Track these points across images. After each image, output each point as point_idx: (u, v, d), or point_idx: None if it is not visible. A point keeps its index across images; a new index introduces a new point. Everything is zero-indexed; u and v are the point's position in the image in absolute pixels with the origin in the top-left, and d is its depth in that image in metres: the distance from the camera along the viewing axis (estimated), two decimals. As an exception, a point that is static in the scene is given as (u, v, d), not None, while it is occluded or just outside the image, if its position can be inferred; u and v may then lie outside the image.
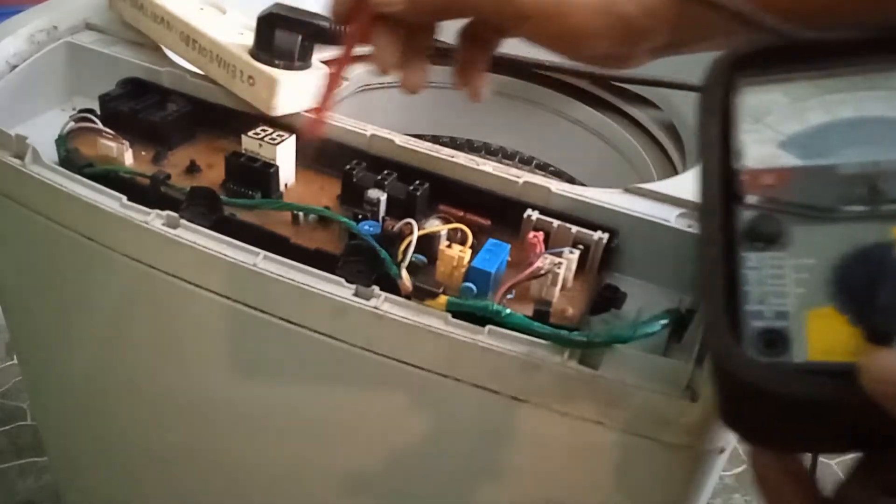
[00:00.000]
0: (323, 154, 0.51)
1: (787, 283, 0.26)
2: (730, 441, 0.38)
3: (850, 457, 0.27)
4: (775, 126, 0.29)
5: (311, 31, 0.50)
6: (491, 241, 0.43)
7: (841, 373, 0.24)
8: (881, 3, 0.30)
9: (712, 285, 0.27)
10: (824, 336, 0.25)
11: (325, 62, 0.51)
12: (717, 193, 0.28)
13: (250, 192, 0.48)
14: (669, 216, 0.45)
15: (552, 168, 0.77)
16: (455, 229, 0.44)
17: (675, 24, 0.34)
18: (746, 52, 0.30)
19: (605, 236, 0.44)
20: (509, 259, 0.43)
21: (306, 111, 0.49)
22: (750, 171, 0.28)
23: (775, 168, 0.28)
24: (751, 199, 0.28)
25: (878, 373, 0.23)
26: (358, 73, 0.77)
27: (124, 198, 0.45)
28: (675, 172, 0.63)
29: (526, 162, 0.78)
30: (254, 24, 0.51)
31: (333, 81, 0.43)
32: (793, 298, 0.26)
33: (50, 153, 0.49)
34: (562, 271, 0.42)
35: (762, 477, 0.28)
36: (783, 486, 0.28)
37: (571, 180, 0.75)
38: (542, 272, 0.41)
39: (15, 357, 1.23)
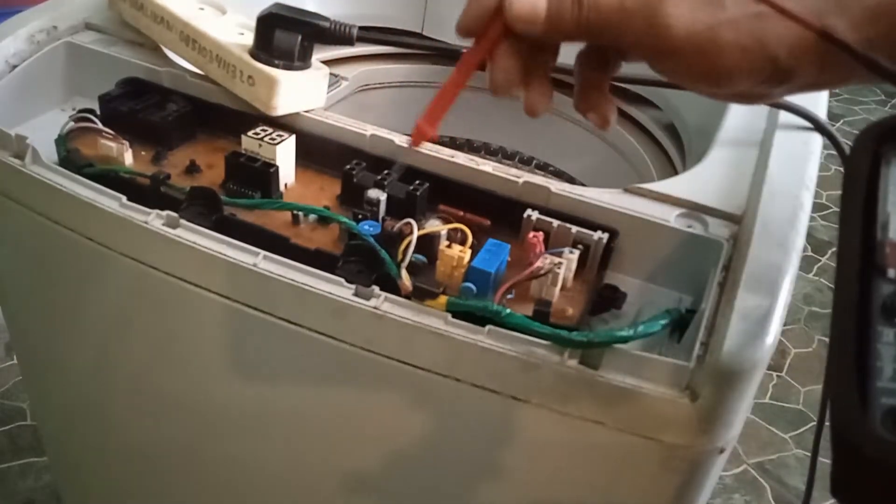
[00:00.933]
0: (323, 154, 0.51)
1: None
2: (730, 441, 0.38)
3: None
4: None
5: (311, 31, 0.50)
6: (491, 241, 0.43)
7: None
8: None
9: (843, 356, 0.26)
10: None
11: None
12: (857, 264, 0.28)
13: (250, 192, 0.48)
14: (669, 216, 0.45)
15: (552, 168, 0.77)
16: (455, 229, 0.44)
17: (819, 67, 0.33)
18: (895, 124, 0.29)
19: (605, 236, 0.44)
20: (509, 259, 0.43)
21: (413, 131, 0.43)
22: (894, 244, 0.28)
23: None
24: (892, 273, 0.27)
25: None
26: (357, 73, 0.77)
27: (124, 198, 0.45)
28: (675, 172, 0.63)
29: (526, 162, 0.78)
30: (254, 24, 0.51)
31: (447, 98, 0.40)
32: None
33: (50, 153, 0.49)
34: (562, 271, 0.42)
35: None
36: None
37: (571, 180, 0.75)
38: (542, 272, 0.41)
39: (15, 357, 1.23)
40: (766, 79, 0.33)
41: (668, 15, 0.33)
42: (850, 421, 0.25)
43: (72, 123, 0.51)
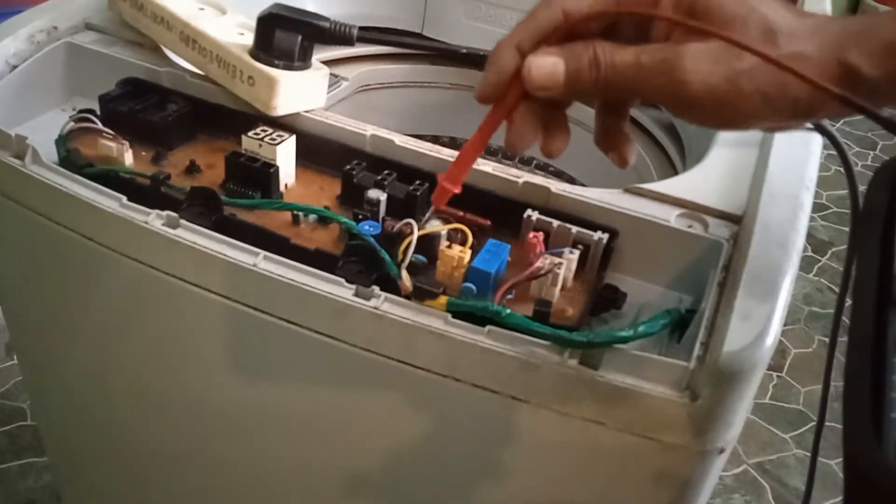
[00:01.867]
0: (323, 154, 0.51)
1: None
2: (730, 441, 0.38)
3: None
4: None
5: (311, 31, 0.50)
6: (491, 241, 0.43)
7: None
8: None
9: (858, 387, 0.26)
10: None
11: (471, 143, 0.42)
12: (873, 297, 0.28)
13: (250, 192, 0.48)
14: (669, 216, 0.45)
15: (552, 168, 0.77)
16: (455, 229, 0.44)
17: (838, 106, 0.33)
18: None
19: (605, 236, 0.44)
20: (509, 259, 0.43)
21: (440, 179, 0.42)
22: None
23: None
24: None
25: None
26: (357, 74, 0.77)
27: (124, 198, 0.45)
28: (675, 173, 0.63)
29: (526, 162, 0.78)
30: (254, 24, 0.51)
31: (468, 159, 0.40)
32: None
33: (50, 153, 0.49)
34: (562, 271, 0.42)
35: None
36: None
37: (571, 180, 0.75)
38: (542, 272, 0.41)
39: (15, 357, 1.23)
40: (789, 118, 0.34)
41: (687, 71, 0.33)
42: (864, 452, 0.25)
43: (72, 123, 0.51)
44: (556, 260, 0.42)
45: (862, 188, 0.35)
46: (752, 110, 0.33)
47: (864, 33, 0.32)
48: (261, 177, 0.48)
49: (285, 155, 0.49)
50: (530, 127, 0.38)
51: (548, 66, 0.35)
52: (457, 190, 0.40)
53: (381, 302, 0.40)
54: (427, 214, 0.44)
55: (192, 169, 0.51)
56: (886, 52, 0.31)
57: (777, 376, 1.40)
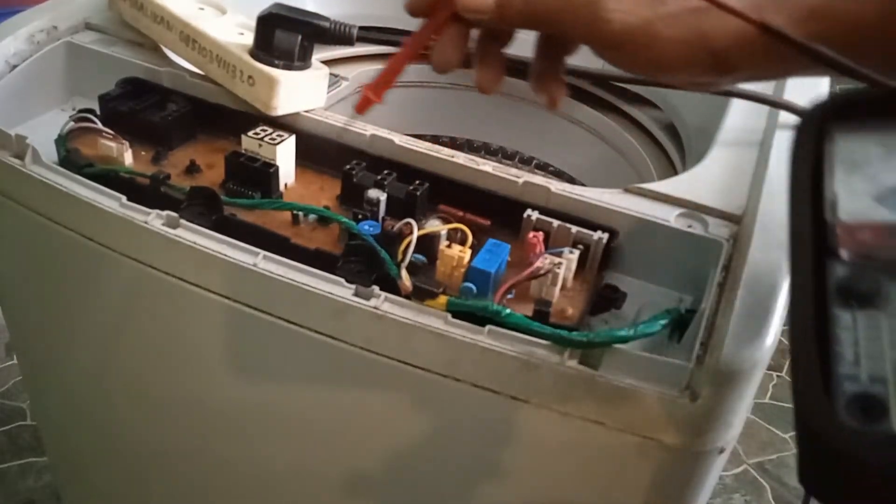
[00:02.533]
0: (323, 154, 0.51)
1: (884, 345, 0.25)
2: (730, 441, 0.38)
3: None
4: (871, 178, 0.28)
5: (311, 31, 0.50)
6: (491, 241, 0.43)
7: None
8: None
9: (803, 342, 0.25)
10: None
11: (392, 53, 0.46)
12: (809, 246, 0.27)
13: (250, 192, 0.48)
14: (669, 216, 0.45)
15: (552, 168, 0.77)
16: (455, 229, 0.44)
17: (763, 59, 0.34)
18: (842, 102, 0.29)
19: (605, 236, 0.44)
20: (509, 259, 0.43)
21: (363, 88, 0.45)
22: (844, 224, 0.27)
23: (872, 222, 0.27)
24: (844, 253, 0.27)
25: None
26: (357, 73, 0.77)
27: (124, 198, 0.45)
28: (675, 172, 0.63)
29: (526, 162, 0.78)
30: (254, 24, 0.51)
31: (393, 73, 0.42)
32: (890, 362, 0.25)
33: (50, 153, 0.49)
34: (562, 271, 0.42)
35: None
36: None
37: (571, 180, 0.75)
38: (542, 272, 0.41)
39: (15, 357, 1.23)
40: (708, 70, 0.34)
41: (609, 10, 0.34)
42: (814, 409, 0.24)
43: (72, 123, 0.51)
44: (556, 260, 0.42)
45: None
46: (671, 57, 0.34)
47: None
48: (261, 177, 0.48)
49: (285, 155, 0.49)
50: (455, 50, 0.39)
51: None
52: (378, 100, 0.42)
53: (381, 302, 0.40)
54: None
55: (192, 169, 0.51)
56: (810, 15, 0.32)
57: (777, 376, 1.41)
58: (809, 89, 0.54)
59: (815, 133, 0.29)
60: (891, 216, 0.27)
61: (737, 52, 0.33)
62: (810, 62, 0.32)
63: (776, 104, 0.53)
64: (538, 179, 0.47)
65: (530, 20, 0.37)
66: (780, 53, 0.32)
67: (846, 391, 0.25)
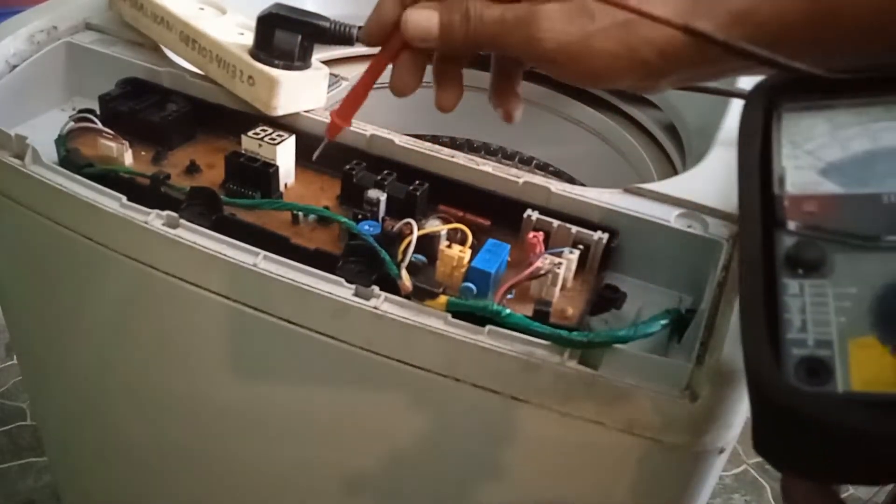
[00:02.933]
0: (323, 154, 0.51)
1: (829, 311, 0.26)
2: (730, 441, 0.38)
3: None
4: (816, 153, 0.29)
5: (310, 31, 0.50)
6: (491, 241, 0.43)
7: (884, 403, 0.23)
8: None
9: (753, 311, 0.26)
10: (867, 366, 0.25)
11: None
12: (758, 218, 0.28)
13: (250, 192, 0.48)
14: (669, 216, 0.45)
15: (552, 168, 0.77)
16: (455, 229, 0.44)
17: (695, 64, 0.35)
18: (787, 80, 0.30)
19: (605, 236, 0.44)
20: (509, 259, 0.43)
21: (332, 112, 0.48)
22: (791, 196, 0.28)
23: (817, 195, 0.28)
24: (792, 225, 0.28)
25: None
26: (357, 73, 0.77)
27: (124, 198, 0.45)
28: (675, 172, 0.63)
29: (526, 162, 0.78)
30: (254, 24, 0.51)
31: (358, 98, 0.45)
32: (835, 327, 0.25)
33: (50, 153, 0.49)
34: (562, 271, 0.42)
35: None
36: None
37: (571, 180, 0.75)
38: (542, 272, 0.41)
39: (15, 357, 1.23)
40: (642, 77, 0.36)
41: (541, 29, 0.36)
42: (764, 375, 0.25)
43: (72, 123, 0.50)
44: (556, 260, 0.42)
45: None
46: (605, 68, 0.36)
47: (713, 1, 0.33)
48: (260, 177, 0.48)
49: (285, 155, 0.49)
50: (411, 75, 0.42)
51: (423, 19, 0.39)
52: (347, 124, 0.45)
53: (381, 302, 0.40)
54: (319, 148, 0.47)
55: (192, 169, 0.51)
56: (733, 20, 0.33)
57: (777, 376, 1.41)
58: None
59: (761, 108, 0.30)
60: (835, 188, 0.28)
61: (667, 58, 0.35)
62: (742, 62, 0.33)
63: None
64: (538, 179, 0.47)
65: (474, 44, 0.39)
66: (709, 56, 0.34)
67: (794, 355, 0.26)
